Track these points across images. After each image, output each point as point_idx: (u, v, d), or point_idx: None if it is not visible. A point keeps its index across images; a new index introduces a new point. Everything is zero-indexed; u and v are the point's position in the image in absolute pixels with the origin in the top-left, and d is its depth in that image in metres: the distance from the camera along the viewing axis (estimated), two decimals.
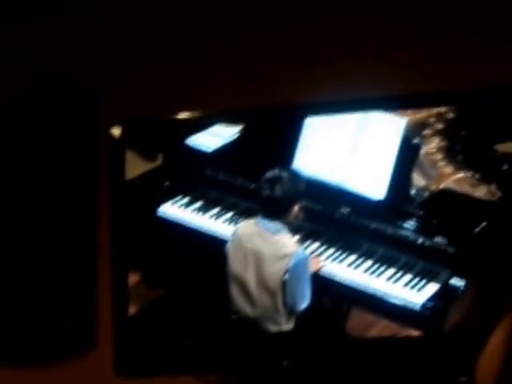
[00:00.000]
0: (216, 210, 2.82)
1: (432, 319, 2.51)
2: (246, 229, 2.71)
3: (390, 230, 2.62)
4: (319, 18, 2.74)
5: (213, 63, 2.85)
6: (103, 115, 2.89)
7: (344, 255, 2.66)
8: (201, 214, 2.83)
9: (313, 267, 2.65)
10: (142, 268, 2.84)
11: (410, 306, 2.55)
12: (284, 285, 2.61)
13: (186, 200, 2.85)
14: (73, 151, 2.88)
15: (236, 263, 2.69)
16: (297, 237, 2.68)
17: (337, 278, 2.64)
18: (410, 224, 2.60)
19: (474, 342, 1.85)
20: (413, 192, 2.62)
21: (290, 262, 2.61)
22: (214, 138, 2.80)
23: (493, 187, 2.52)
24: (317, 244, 2.70)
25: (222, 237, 2.75)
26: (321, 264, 2.66)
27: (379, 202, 2.62)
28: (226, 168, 2.79)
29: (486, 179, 2.54)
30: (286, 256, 2.62)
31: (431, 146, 2.62)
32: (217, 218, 2.81)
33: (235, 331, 2.69)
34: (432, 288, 2.55)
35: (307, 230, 2.71)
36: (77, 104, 2.90)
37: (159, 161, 2.85)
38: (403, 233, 2.60)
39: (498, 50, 2.53)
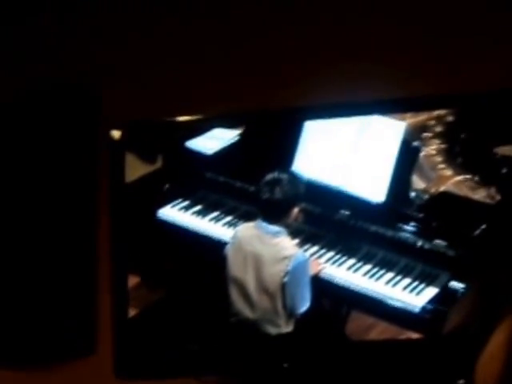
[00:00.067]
0: (216, 213, 2.83)
1: (431, 322, 2.51)
2: (245, 231, 2.71)
3: (389, 232, 2.62)
4: (319, 21, 2.75)
5: (213, 66, 2.85)
6: (103, 117, 2.89)
7: (344, 258, 2.66)
8: (200, 217, 2.83)
9: (312, 270, 2.65)
10: (141, 270, 2.84)
11: (410, 308, 2.55)
12: (283, 287, 2.61)
13: (185, 203, 2.85)
14: (73, 153, 2.88)
15: (236, 266, 2.69)
16: (296, 240, 2.68)
17: (336, 281, 2.64)
18: (409, 227, 2.60)
19: (474, 345, 1.85)
20: (412, 195, 2.62)
21: (290, 265, 2.61)
22: (213, 140, 2.80)
23: (492, 190, 2.52)
24: (316, 247, 2.70)
25: (221, 240, 2.76)
26: (320, 267, 2.66)
27: (379, 204, 2.62)
28: (225, 171, 2.79)
29: (485, 182, 2.54)
30: (285, 258, 2.62)
31: (431, 149, 2.62)
32: (216, 221, 2.81)
33: (235, 333, 2.69)
34: (431, 291, 2.55)
35: (307, 233, 2.71)
36: (77, 106, 2.90)
37: (159, 163, 2.86)
38: (403, 235, 2.60)
39: (497, 53, 2.53)
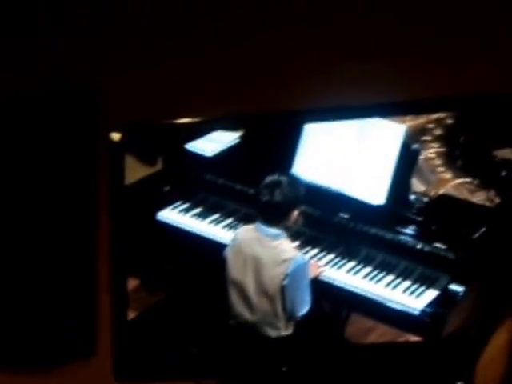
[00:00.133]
0: (215, 216, 2.83)
1: (431, 325, 2.52)
2: (245, 234, 2.71)
3: (389, 235, 2.62)
4: (319, 24, 2.75)
5: (213, 68, 2.85)
6: (103, 119, 2.89)
7: (343, 261, 2.67)
8: (200, 219, 2.83)
9: (312, 273, 2.65)
10: (141, 273, 2.84)
11: (410, 311, 2.55)
12: (283, 290, 2.61)
13: (185, 205, 2.85)
14: (73, 155, 2.88)
15: (235, 268, 2.69)
16: (296, 242, 2.69)
17: (336, 284, 2.65)
18: (409, 229, 2.60)
19: (473, 348, 1.85)
20: (412, 197, 2.62)
21: (290, 268, 2.61)
22: (213, 143, 2.81)
23: (492, 193, 2.53)
24: (316, 249, 2.70)
25: (221, 242, 2.76)
26: (320, 269, 2.66)
27: (378, 207, 2.62)
28: (225, 173, 2.80)
29: (484, 185, 2.55)
30: (285, 261, 2.62)
31: (430, 152, 2.63)
32: (216, 224, 2.82)
33: (234, 336, 2.69)
34: (431, 294, 2.55)
35: (306, 236, 2.71)
36: (77, 108, 2.89)
37: (159, 166, 2.86)
38: (402, 238, 2.60)
39: (497, 56, 2.53)
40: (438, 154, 2.62)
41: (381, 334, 2.59)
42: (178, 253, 2.83)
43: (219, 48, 2.85)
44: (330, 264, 2.67)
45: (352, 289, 2.63)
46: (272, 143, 2.73)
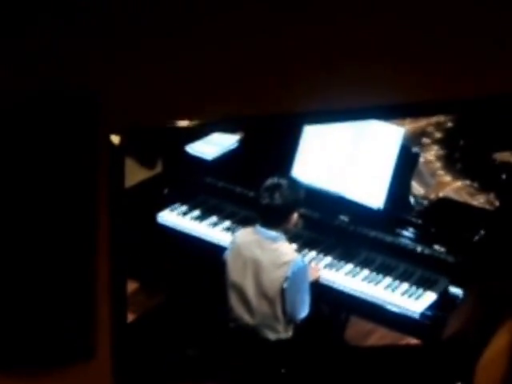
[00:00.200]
0: (215, 218, 2.83)
1: (430, 327, 2.52)
2: (244, 237, 2.71)
3: (388, 238, 2.62)
4: (319, 26, 2.75)
5: (212, 72, 2.84)
6: (103, 123, 2.89)
7: (342, 263, 2.67)
8: (199, 221, 2.83)
9: (311, 276, 2.65)
10: (140, 275, 2.84)
11: (409, 314, 2.55)
12: (283, 293, 2.61)
13: (184, 208, 2.85)
14: (72, 158, 2.87)
15: (235, 271, 2.69)
16: (295, 245, 2.69)
17: (335, 286, 2.65)
18: (408, 232, 2.60)
19: (472, 350, 1.85)
20: (412, 200, 2.62)
21: (289, 270, 2.61)
22: (213, 146, 2.81)
23: (491, 196, 2.53)
24: (315, 252, 2.70)
25: (220, 245, 2.76)
26: (319, 273, 2.66)
27: (378, 210, 2.62)
28: (225, 176, 2.80)
29: (484, 188, 2.55)
30: (284, 264, 2.62)
31: (430, 155, 2.63)
32: (215, 226, 2.82)
33: (234, 339, 2.69)
34: (430, 296, 2.55)
35: (306, 238, 2.71)
36: (77, 111, 2.89)
37: (159, 168, 2.86)
38: (402, 241, 2.60)
39: (497, 60, 2.53)
40: (438, 157, 2.62)
41: (380, 336, 2.59)
42: (178, 255, 2.83)
43: (219, 51, 2.85)
44: (329, 266, 2.67)
45: (351, 291, 2.63)
46: (271, 146, 2.73)
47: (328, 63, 2.71)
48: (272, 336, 2.64)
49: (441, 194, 2.62)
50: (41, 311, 2.83)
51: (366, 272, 2.63)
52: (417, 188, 2.63)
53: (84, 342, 2.87)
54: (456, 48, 2.58)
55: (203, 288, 2.77)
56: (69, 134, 2.88)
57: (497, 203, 2.52)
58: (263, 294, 2.63)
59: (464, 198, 2.58)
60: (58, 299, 2.83)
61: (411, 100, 2.58)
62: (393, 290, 2.59)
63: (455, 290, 2.52)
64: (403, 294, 2.58)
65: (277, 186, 2.62)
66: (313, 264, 2.67)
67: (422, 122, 2.61)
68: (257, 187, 2.66)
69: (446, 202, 2.60)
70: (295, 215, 2.64)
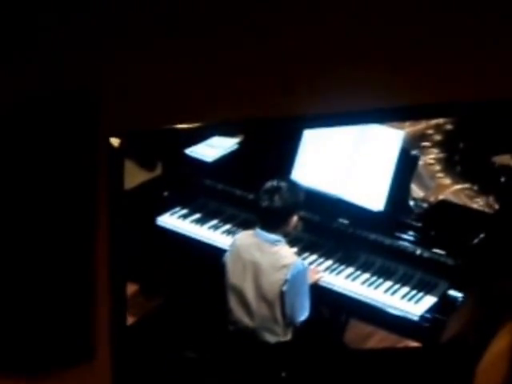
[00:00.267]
0: (215, 221, 2.83)
1: (430, 330, 2.52)
2: (244, 240, 2.71)
3: (388, 241, 2.62)
4: (319, 31, 2.75)
5: (212, 74, 2.85)
6: (103, 125, 2.89)
7: (342, 266, 2.67)
8: (199, 224, 2.83)
9: (311, 279, 2.65)
10: (140, 278, 2.84)
11: (409, 317, 2.55)
12: (282, 296, 2.61)
13: (184, 211, 2.85)
14: (72, 161, 2.88)
15: (234, 274, 2.68)
16: (295, 248, 2.68)
17: (335, 289, 2.64)
18: (408, 235, 2.60)
19: (472, 353, 1.85)
20: (411, 203, 2.62)
21: (289, 273, 2.61)
22: (213, 148, 2.81)
23: (491, 199, 2.53)
24: (315, 255, 2.70)
25: (220, 247, 2.76)
26: (319, 275, 2.66)
27: (378, 213, 2.62)
28: (224, 179, 2.80)
29: (484, 191, 2.55)
30: (284, 267, 2.62)
31: (430, 158, 2.63)
32: (215, 229, 2.81)
33: (233, 342, 2.69)
34: (430, 299, 2.55)
35: (305, 242, 2.71)
36: (76, 114, 2.90)
37: (158, 171, 2.86)
38: (401, 244, 2.60)
39: (496, 63, 2.54)
40: (438, 160, 2.62)
41: (380, 339, 2.59)
42: (177, 257, 2.83)
43: (219, 53, 2.85)
44: (329, 269, 2.67)
45: (351, 294, 2.63)
46: (271, 149, 2.73)
47: (328, 66, 2.71)
48: (271, 339, 2.64)
49: (440, 197, 2.62)
50: (40, 313, 2.83)
51: (365, 275, 2.63)
52: (416, 191, 2.63)
53: (84, 344, 2.87)
54: (456, 51, 2.58)
55: (203, 290, 2.77)
56: (69, 137, 2.88)
57: (496, 206, 2.52)
58: (263, 296, 2.63)
59: (463, 200, 2.58)
60: (58, 301, 2.84)
61: (411, 103, 2.58)
62: (392, 293, 2.59)
63: (455, 293, 2.51)
64: (403, 296, 2.58)
65: (277, 189, 2.61)
66: (312, 267, 2.67)
67: (421, 125, 2.61)
68: (256, 190, 2.65)
69: (445, 205, 2.60)
70: (295, 218, 2.64)
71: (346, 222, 2.67)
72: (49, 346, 2.84)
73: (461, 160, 2.60)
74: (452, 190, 2.60)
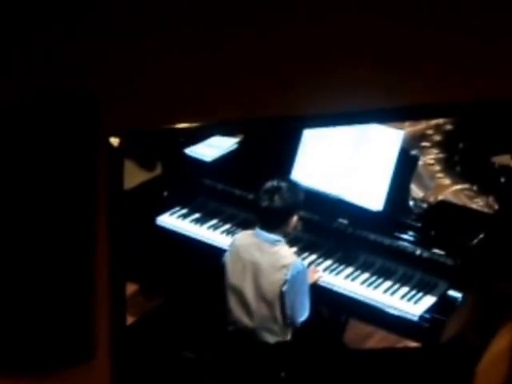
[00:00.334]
0: (214, 221, 2.83)
1: (429, 330, 2.52)
2: (243, 240, 2.71)
3: (387, 241, 2.62)
4: (318, 29, 2.75)
5: (211, 74, 2.85)
6: (102, 125, 2.89)
7: (342, 266, 2.67)
8: (199, 224, 2.83)
9: (310, 278, 2.65)
10: (139, 278, 2.84)
11: (408, 317, 2.55)
12: (282, 296, 2.61)
13: (184, 210, 2.85)
14: (72, 160, 2.87)
15: (234, 274, 2.68)
16: (295, 248, 2.68)
17: (335, 289, 2.65)
18: (407, 235, 2.60)
19: (472, 353, 1.86)
20: (411, 203, 2.62)
21: (289, 273, 2.61)
22: (212, 148, 2.81)
23: (490, 199, 2.53)
24: (315, 255, 2.70)
25: (220, 247, 2.76)
26: (318, 275, 2.66)
27: (377, 213, 2.62)
28: (224, 178, 2.80)
29: (483, 191, 2.55)
30: (284, 267, 2.62)
31: (429, 158, 2.63)
32: (215, 229, 2.81)
33: (233, 342, 2.69)
34: (429, 300, 2.55)
35: (305, 241, 2.71)
36: (76, 113, 2.89)
37: (158, 170, 2.86)
38: (401, 244, 2.60)
39: (496, 63, 2.54)
40: (437, 160, 2.62)
41: (379, 339, 2.59)
42: (177, 257, 2.83)
43: (217, 54, 2.85)
44: (329, 269, 2.67)
45: (350, 294, 2.63)
46: (271, 149, 2.73)
47: (328, 66, 2.71)
48: (271, 339, 2.64)
49: (440, 197, 2.62)
50: (40, 313, 2.82)
51: (365, 275, 2.63)
52: (416, 191, 2.63)
53: (83, 344, 2.87)
54: (456, 51, 2.58)
55: (202, 290, 2.77)
56: (68, 136, 2.88)
57: (496, 206, 2.52)
58: (262, 296, 2.63)
59: (463, 201, 2.58)
60: (58, 300, 2.83)
61: (410, 103, 2.58)
62: (392, 293, 2.59)
63: (454, 293, 2.52)
64: (402, 296, 2.58)
65: (277, 189, 2.61)
66: (312, 267, 2.67)
67: (421, 125, 2.62)
68: (256, 190, 2.65)
69: (445, 205, 2.60)
70: (295, 218, 2.64)
71: (345, 221, 2.67)
72: (48, 346, 2.84)
73: (460, 160, 2.61)
74: (452, 191, 2.61)
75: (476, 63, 2.56)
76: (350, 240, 2.66)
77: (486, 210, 2.54)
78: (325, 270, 2.67)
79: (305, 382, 2.62)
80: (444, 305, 2.52)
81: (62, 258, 2.85)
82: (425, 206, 2.62)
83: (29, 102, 2.88)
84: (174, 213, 2.84)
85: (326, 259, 2.69)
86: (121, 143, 2.81)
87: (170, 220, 2.83)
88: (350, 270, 2.66)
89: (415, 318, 2.54)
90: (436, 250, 2.55)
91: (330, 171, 2.68)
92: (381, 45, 2.67)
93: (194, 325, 2.75)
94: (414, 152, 2.62)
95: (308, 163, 2.70)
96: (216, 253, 2.74)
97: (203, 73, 2.85)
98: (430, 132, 2.61)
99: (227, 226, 2.80)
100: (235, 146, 2.80)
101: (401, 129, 2.61)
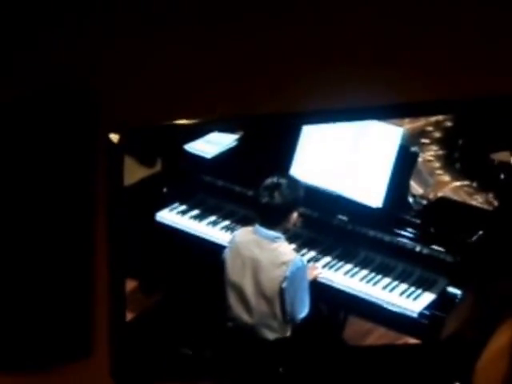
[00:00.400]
0: (214, 217, 2.82)
1: (429, 327, 2.52)
2: (243, 236, 2.71)
3: (387, 237, 2.62)
4: (318, 26, 2.75)
5: (211, 71, 2.85)
6: (102, 121, 2.89)
7: (341, 263, 2.66)
8: (198, 220, 2.83)
9: (309, 275, 2.65)
10: (139, 274, 2.84)
11: (407, 313, 2.55)
12: (282, 292, 2.61)
13: (183, 207, 2.85)
14: (72, 157, 2.88)
15: (234, 270, 2.68)
16: (294, 244, 2.68)
17: (334, 286, 2.64)
18: (407, 232, 2.60)
19: (471, 349, 1.85)
20: (410, 200, 2.62)
21: (288, 270, 2.61)
22: (212, 145, 2.81)
23: (490, 196, 2.53)
24: (314, 252, 2.70)
25: (219, 244, 2.76)
26: (317, 271, 2.66)
27: (377, 209, 2.62)
28: (224, 175, 2.80)
29: (483, 188, 2.55)
30: (283, 264, 2.62)
31: (429, 154, 2.63)
32: (214, 225, 2.81)
33: (232, 338, 2.69)
34: (429, 296, 2.55)
35: (304, 238, 2.71)
36: (76, 110, 2.89)
37: (158, 167, 2.86)
38: (400, 241, 2.60)
39: (496, 60, 2.54)
40: (437, 157, 2.62)
41: (379, 336, 2.59)
42: (177, 254, 2.82)
43: (217, 50, 2.85)
44: (328, 266, 2.67)
45: (350, 291, 2.63)
46: (270, 145, 2.73)
47: (327, 63, 2.71)
48: (270, 335, 2.64)
49: (439, 194, 2.62)
50: (39, 309, 2.83)
51: (364, 271, 2.63)
52: (415, 187, 2.63)
53: (82, 340, 2.87)
54: (456, 48, 2.58)
55: (202, 287, 2.77)
56: (68, 133, 2.88)
57: (495, 203, 2.52)
58: (262, 293, 2.63)
59: (463, 197, 2.58)
60: (57, 297, 2.84)
61: (410, 100, 2.58)
62: (391, 290, 2.59)
63: (454, 290, 2.52)
64: (402, 293, 2.58)
65: (276, 186, 2.61)
66: (311, 263, 2.67)
67: (420, 122, 2.61)
68: (256, 186, 2.65)
69: (444, 202, 2.60)
70: (294, 214, 2.64)
71: (345, 218, 2.66)
72: (48, 342, 2.84)
73: (460, 157, 2.60)
74: (451, 187, 2.60)
75: (475, 60, 2.56)
76: (349, 236, 2.66)
77: (485, 206, 2.53)
78: (324, 266, 2.67)
79: (303, 378, 2.62)
80: (443, 301, 2.52)
81: (62, 255, 2.85)
82: (424, 202, 2.62)
83: (29, 100, 2.89)
84: (174, 209, 2.84)
85: (325, 255, 2.69)
86: (120, 139, 2.81)
87: (170, 216, 2.83)
88: (349, 266, 2.66)
89: (415, 315, 2.54)
90: (435, 247, 2.55)
91: (330, 168, 2.68)
92: (380, 42, 2.67)
93: (193, 321, 2.75)
94: (413, 149, 2.61)
95: (307, 160, 2.70)
96: (215, 249, 2.74)
97: (203, 69, 2.85)
98: (429, 129, 2.61)
99: (227, 223, 2.80)
100: (235, 143, 2.79)
101: (400, 125, 2.61)
